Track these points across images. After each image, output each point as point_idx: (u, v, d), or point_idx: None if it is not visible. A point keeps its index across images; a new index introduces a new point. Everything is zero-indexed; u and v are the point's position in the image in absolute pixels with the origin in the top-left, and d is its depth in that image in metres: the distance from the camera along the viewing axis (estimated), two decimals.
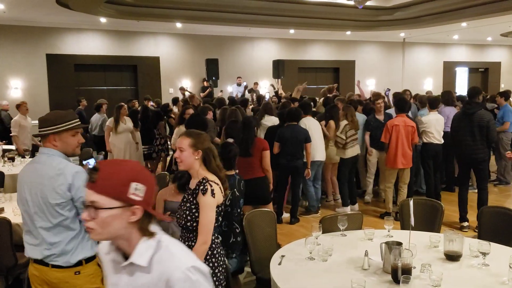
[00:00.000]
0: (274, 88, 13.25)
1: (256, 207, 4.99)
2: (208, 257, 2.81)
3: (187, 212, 2.81)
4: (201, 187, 2.75)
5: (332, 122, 7.04)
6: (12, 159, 6.94)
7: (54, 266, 2.66)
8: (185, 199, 2.88)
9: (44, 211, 2.63)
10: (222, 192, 2.83)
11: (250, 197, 5.06)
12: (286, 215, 6.79)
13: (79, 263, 2.69)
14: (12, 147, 8.93)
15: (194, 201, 2.80)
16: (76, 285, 2.70)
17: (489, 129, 5.94)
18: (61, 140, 2.71)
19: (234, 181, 4.21)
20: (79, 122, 2.81)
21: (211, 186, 2.75)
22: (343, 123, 6.95)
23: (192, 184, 2.87)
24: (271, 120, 7.31)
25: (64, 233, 2.65)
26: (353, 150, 6.98)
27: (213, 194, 2.74)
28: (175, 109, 10.48)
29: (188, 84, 15.44)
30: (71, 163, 2.73)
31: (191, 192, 2.84)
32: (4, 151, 8.12)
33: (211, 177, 2.82)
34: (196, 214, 2.78)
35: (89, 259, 2.73)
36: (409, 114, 7.10)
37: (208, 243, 2.74)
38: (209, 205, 2.74)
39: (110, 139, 8.39)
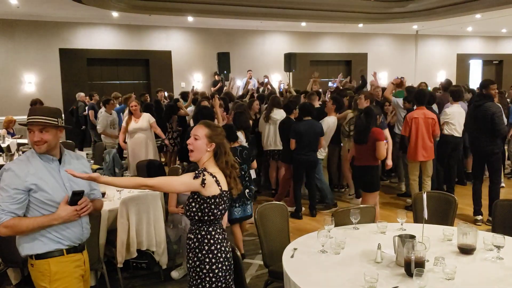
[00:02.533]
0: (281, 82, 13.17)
1: (364, 193, 5.55)
2: (204, 252, 2.77)
3: (187, 203, 2.83)
4: (196, 172, 2.76)
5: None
6: None
7: None
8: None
9: None
10: (219, 186, 2.78)
11: (359, 182, 5.70)
12: (290, 209, 6.62)
13: (30, 257, 2.71)
14: (25, 140, 9.03)
15: (192, 192, 2.82)
16: (33, 275, 2.76)
17: (493, 122, 5.81)
18: None
19: (236, 151, 4.90)
20: (36, 120, 2.64)
21: (204, 175, 2.73)
22: (350, 115, 6.93)
23: None
24: (279, 114, 7.30)
25: None
26: None
27: (203, 183, 2.72)
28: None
29: (200, 78, 15.47)
30: (19, 159, 2.72)
31: None
32: (19, 145, 8.23)
33: (213, 169, 2.80)
34: (193, 204, 2.78)
35: (40, 256, 2.69)
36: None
37: (147, 186, 2.69)
38: (189, 181, 2.72)
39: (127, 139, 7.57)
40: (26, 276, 4.49)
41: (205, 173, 2.75)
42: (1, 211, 2.56)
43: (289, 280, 2.77)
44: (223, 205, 2.83)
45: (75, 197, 2.67)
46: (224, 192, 2.83)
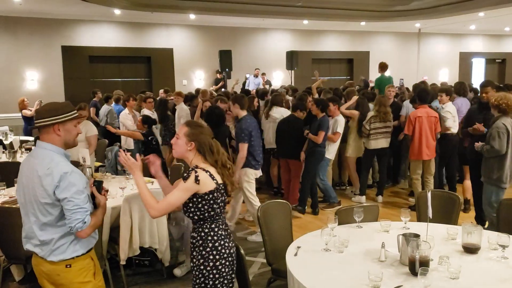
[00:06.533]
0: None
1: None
2: (208, 249, 2.75)
3: (183, 204, 2.78)
4: (185, 174, 2.71)
5: (355, 112, 7.23)
6: (29, 150, 7.02)
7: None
8: None
9: (35, 208, 2.61)
10: (214, 180, 2.73)
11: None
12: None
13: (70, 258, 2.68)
14: (30, 138, 9.04)
15: None
16: (67, 278, 2.68)
17: None
18: (65, 130, 2.69)
19: None
20: (77, 113, 2.83)
21: (196, 172, 2.68)
22: (370, 114, 6.94)
23: None
24: (279, 112, 7.26)
25: (54, 230, 2.62)
26: (377, 143, 6.95)
27: (196, 180, 2.67)
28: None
29: (202, 75, 15.47)
30: (63, 161, 2.65)
31: None
32: (22, 141, 8.24)
33: (204, 165, 2.76)
34: (190, 205, 2.74)
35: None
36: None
37: (156, 214, 2.72)
38: (185, 187, 2.68)
39: None
40: (29, 273, 4.50)
41: (196, 169, 2.71)
42: (84, 212, 2.58)
43: (292, 278, 2.76)
44: (221, 198, 2.81)
45: (99, 185, 2.78)
46: (220, 185, 2.79)
